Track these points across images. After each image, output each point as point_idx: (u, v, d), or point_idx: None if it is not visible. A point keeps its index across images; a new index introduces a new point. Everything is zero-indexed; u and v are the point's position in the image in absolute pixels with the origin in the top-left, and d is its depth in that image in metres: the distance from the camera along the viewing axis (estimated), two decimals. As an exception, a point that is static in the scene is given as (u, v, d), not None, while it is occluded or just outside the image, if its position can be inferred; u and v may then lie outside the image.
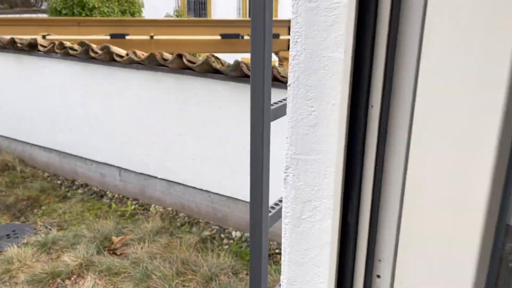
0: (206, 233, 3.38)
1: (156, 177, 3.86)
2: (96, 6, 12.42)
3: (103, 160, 4.16)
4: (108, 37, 9.87)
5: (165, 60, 3.35)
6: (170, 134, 3.65)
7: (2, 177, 4.30)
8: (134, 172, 3.98)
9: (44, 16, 18.36)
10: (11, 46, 4.28)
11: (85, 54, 3.80)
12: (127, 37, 9.94)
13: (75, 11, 12.43)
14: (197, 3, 21.31)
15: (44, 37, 9.51)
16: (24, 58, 4.33)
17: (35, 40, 4.11)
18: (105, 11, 12.62)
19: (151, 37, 10.04)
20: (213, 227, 3.52)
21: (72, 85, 4.10)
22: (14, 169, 4.45)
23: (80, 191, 4.17)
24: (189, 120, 3.51)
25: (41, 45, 4.10)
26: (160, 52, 3.38)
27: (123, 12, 13.34)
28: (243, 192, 3.40)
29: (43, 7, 22.28)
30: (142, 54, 3.55)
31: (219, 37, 10.42)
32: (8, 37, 4.39)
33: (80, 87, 4.05)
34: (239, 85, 3.16)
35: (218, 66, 3.08)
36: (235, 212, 3.48)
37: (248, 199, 3.34)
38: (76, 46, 3.88)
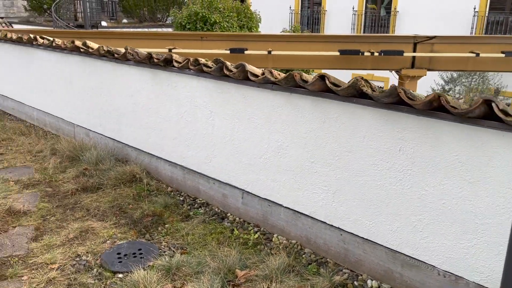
0: (337, 277, 2.97)
1: (281, 205, 3.57)
2: (217, 21, 12.88)
3: (226, 181, 4.00)
4: (227, 52, 10.09)
5: (305, 81, 3.05)
6: (301, 160, 3.34)
7: (130, 188, 4.40)
8: (258, 196, 3.75)
9: (170, 30, 19.76)
10: (148, 61, 4.37)
11: (219, 72, 3.69)
12: (246, 52, 10.06)
13: (198, 25, 13.03)
14: (311, 18, 21.20)
15: (170, 50, 10.04)
16: (159, 73, 4.40)
17: (171, 56, 4.14)
18: (225, 25, 13.02)
19: (269, 52, 10.03)
20: (344, 270, 3.11)
21: (202, 102, 4.03)
22: (141, 181, 4.53)
23: (201, 210, 4.06)
24: (324, 148, 3.15)
25: (176, 61, 4.11)
26: (299, 73, 3.09)
27: (241, 27, 13.66)
28: (383, 236, 2.93)
29: (167, 22, 24.06)
30: (278, 74, 3.31)
31: (337, 53, 10.01)
32: (145, 52, 4.51)
33: (210, 104, 3.96)
34: (391, 113, 2.73)
35: (367, 90, 2.69)
36: (371, 257, 3.02)
37: (389, 244, 2.87)
38: (210, 63, 3.79)
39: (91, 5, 20.63)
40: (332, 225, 3.23)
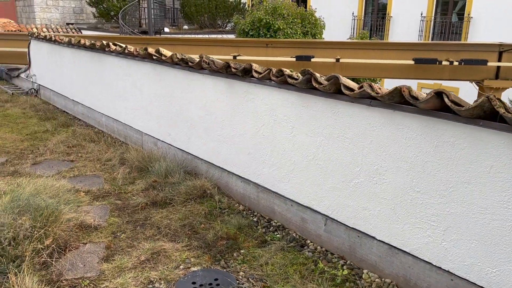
0: (450, 333, 2.48)
1: (373, 238, 3.13)
2: (281, 27, 12.58)
3: (306, 204, 3.62)
4: (293, 59, 9.75)
5: (415, 98, 2.60)
6: (402, 188, 2.88)
7: (201, 205, 4.13)
8: (344, 225, 3.33)
9: (230, 36, 19.81)
10: (224, 71, 4.10)
11: (306, 83, 3.32)
12: (313, 59, 9.66)
13: (261, 32, 12.81)
14: (374, 25, 20.39)
15: (235, 57, 9.86)
16: (235, 83, 4.11)
17: (250, 65, 3.83)
18: (289, 32, 12.70)
19: (337, 60, 9.56)
20: (456, 324, 2.61)
21: (283, 116, 3.68)
22: (212, 198, 4.26)
23: (278, 234, 3.70)
24: (435, 176, 2.68)
25: (256, 71, 3.80)
26: (407, 87, 2.65)
27: (305, 34, 13.28)
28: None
29: (227, 28, 24.20)
30: (378, 88, 2.89)
31: (411, 62, 9.35)
32: (220, 61, 4.25)
33: (292, 119, 3.60)
34: (532, 141, 2.22)
35: (505, 113, 2.20)
36: (493, 313, 2.51)
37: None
38: (295, 74, 3.44)
39: (154, 12, 21.16)
40: (440, 267, 2.75)
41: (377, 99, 2.90)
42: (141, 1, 23.35)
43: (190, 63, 4.54)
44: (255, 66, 3.84)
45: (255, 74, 3.81)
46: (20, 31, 18.11)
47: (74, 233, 3.48)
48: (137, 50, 5.41)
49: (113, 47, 5.95)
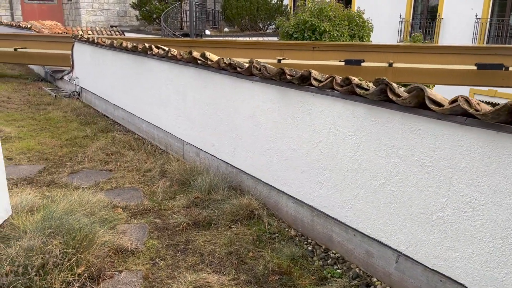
0: None
1: (462, 285, 2.56)
2: (327, 30, 12.00)
3: (373, 235, 3.09)
4: (342, 63, 9.17)
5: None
6: (505, 228, 2.31)
7: (248, 228, 3.68)
8: (422, 265, 2.77)
9: (271, 39, 19.40)
10: (278, 78, 3.64)
11: (378, 95, 2.80)
12: (363, 64, 9.04)
13: (306, 35, 12.28)
14: (423, 27, 19.37)
15: (279, 61, 9.39)
16: (290, 92, 3.64)
17: (309, 72, 3.35)
18: (335, 35, 12.09)
19: (390, 64, 8.89)
20: None
21: (347, 131, 3.17)
22: (260, 219, 3.80)
23: (338, 269, 3.19)
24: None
25: (316, 79, 3.31)
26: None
27: (352, 36, 12.63)
28: None
29: (268, 31, 23.82)
30: (477, 103, 2.33)
31: (474, 67, 8.55)
32: (274, 68, 3.79)
33: (358, 135, 3.09)
34: None
35: None
36: None
37: None
38: (365, 83, 2.92)
39: (196, 15, 21.06)
40: (557, 334, 2.16)
41: (474, 117, 2.34)
42: (183, 4, 23.40)
43: (238, 69, 4.11)
44: (314, 73, 3.35)
45: (314, 82, 3.32)
46: (66, 33, 18.49)
47: (109, 258, 3.12)
48: (181, 53, 5.06)
49: (155, 50, 5.63)
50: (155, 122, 6.16)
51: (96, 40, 7.55)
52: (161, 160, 5.25)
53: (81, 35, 8.47)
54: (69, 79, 9.55)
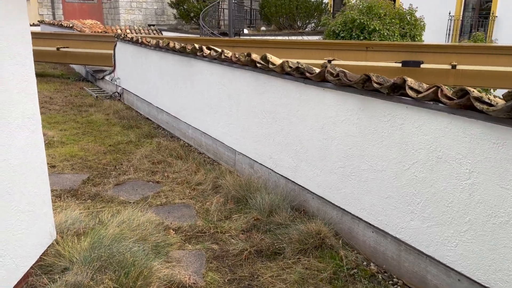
0: None
1: None
2: (377, 28, 11.30)
3: (488, 284, 2.49)
4: (398, 65, 8.48)
5: None
6: None
7: (320, 260, 3.15)
8: None
9: (310, 38, 18.81)
10: (360, 85, 3.09)
11: (508, 111, 2.21)
12: (422, 65, 8.32)
13: (354, 34, 11.61)
14: (474, 25, 18.22)
15: (329, 62, 8.80)
16: (374, 102, 3.08)
17: (403, 80, 2.78)
18: (385, 34, 11.37)
19: (453, 66, 8.13)
20: None
21: (454, 153, 2.59)
22: (332, 250, 3.27)
23: (439, 322, 2.62)
24: None
25: (412, 88, 2.74)
26: None
27: (403, 36, 11.86)
28: None
29: (306, 30, 23.17)
30: None
31: (551, 70, 7.67)
32: (356, 74, 3.25)
33: (470, 160, 2.50)
34: None
35: None
36: None
37: None
38: (486, 97, 2.33)
39: (234, 13, 20.67)
40: None
41: None
42: (220, 2, 23.09)
43: (307, 74, 3.59)
44: (410, 81, 2.78)
45: (410, 92, 2.75)
46: (106, 32, 18.51)
47: (165, 298, 2.67)
48: (236, 55, 4.58)
49: (206, 51, 5.19)
50: (202, 128, 5.73)
51: (140, 40, 7.21)
52: (212, 172, 4.79)
53: (124, 34, 8.17)
54: (111, 80, 9.30)
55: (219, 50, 4.97)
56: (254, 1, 27.22)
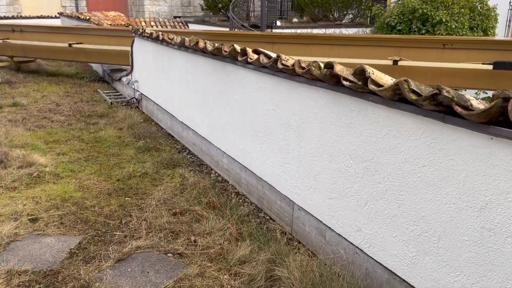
0: None
1: None
2: (443, 20, 9.41)
3: None
4: (489, 67, 6.65)
5: None
6: None
7: None
8: None
9: (346, 31, 16.96)
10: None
11: None
12: (522, 69, 6.45)
13: (414, 26, 9.76)
14: (541, 15, 15.90)
15: (395, 62, 7.02)
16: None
17: None
18: (453, 26, 9.47)
19: None
20: None
21: None
22: None
23: None
24: None
25: None
26: None
27: (472, 28, 9.93)
28: None
29: (344, 21, 21.23)
30: None
31: None
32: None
33: None
34: None
35: None
36: None
37: None
38: None
39: (267, 4, 18.93)
40: None
41: None
42: (251, -8, 21.41)
43: (459, 109, 1.91)
44: None
45: None
46: (129, 25, 17.14)
47: None
48: (302, 64, 2.94)
49: (252, 55, 3.57)
50: (243, 160, 4.14)
51: (161, 37, 5.66)
52: (263, 242, 3.18)
53: (142, 29, 6.64)
54: (128, 83, 7.81)
55: (272, 55, 3.34)
56: (285, -9, 25.40)
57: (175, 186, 4.24)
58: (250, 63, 3.62)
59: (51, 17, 20.40)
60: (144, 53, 7.03)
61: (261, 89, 3.66)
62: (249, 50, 3.64)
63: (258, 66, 3.56)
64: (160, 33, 5.79)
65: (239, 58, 3.77)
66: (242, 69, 3.90)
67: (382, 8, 11.53)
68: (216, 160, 4.74)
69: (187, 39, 4.84)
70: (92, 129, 6.13)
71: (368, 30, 18.67)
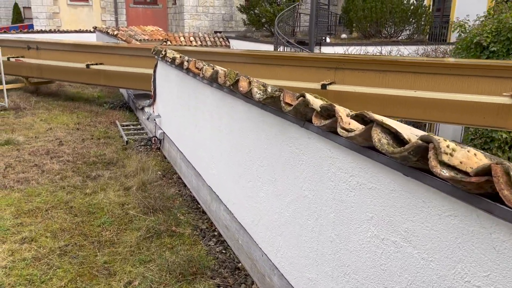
0: None
1: None
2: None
3: None
4: None
5: None
6: None
7: None
8: None
9: (412, 49, 14.90)
10: None
11: None
12: None
13: (513, 48, 7.61)
14: None
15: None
16: None
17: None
18: None
19: None
20: None
21: None
22: None
23: None
24: None
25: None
26: None
27: None
28: None
29: (401, 38, 19.02)
30: None
31: None
32: None
33: None
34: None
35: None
36: None
37: None
38: None
39: (316, 18, 17.12)
40: None
41: None
42: (297, 6, 19.70)
43: None
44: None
45: None
46: (167, 40, 15.77)
47: None
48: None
49: (346, 121, 1.71)
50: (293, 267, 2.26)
51: (186, 65, 3.92)
52: None
53: (164, 51, 4.95)
54: (147, 118, 6.15)
55: (370, 114, 1.47)
56: (332, 5, 23.53)
57: (190, 333, 2.40)
58: (340, 135, 1.77)
59: (89, 31, 19.53)
60: (167, 82, 5.35)
61: (361, 187, 1.79)
62: (341, 111, 1.78)
63: (349, 141, 1.70)
64: (186, 59, 4.06)
65: (317, 123, 1.92)
66: (317, 140, 2.05)
67: (463, 24, 9.42)
68: (262, 274, 2.88)
69: (221, 72, 3.05)
70: (89, 188, 4.44)
71: (429, 48, 16.45)
